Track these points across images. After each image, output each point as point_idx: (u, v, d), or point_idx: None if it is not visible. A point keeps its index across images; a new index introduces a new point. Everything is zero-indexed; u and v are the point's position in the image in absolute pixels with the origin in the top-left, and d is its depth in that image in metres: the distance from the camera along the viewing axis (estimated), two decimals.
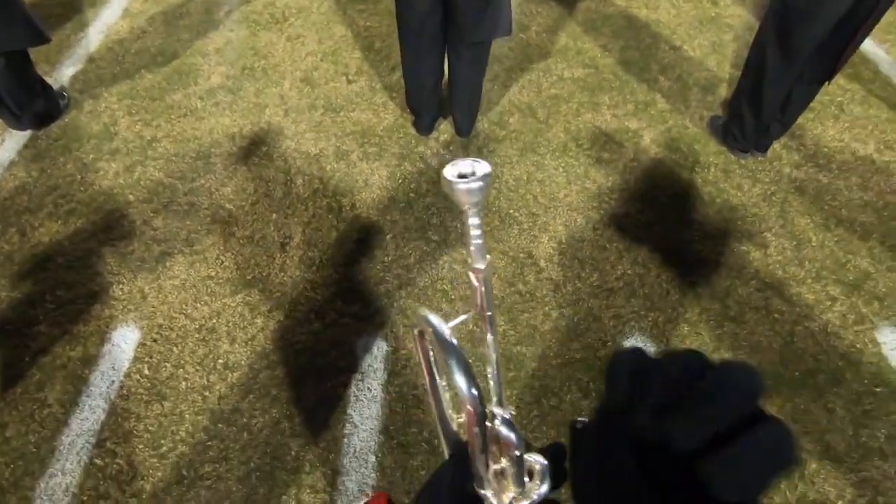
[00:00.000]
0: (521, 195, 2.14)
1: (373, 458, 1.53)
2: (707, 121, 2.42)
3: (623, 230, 2.04)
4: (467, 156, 2.16)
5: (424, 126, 2.30)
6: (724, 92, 2.55)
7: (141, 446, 1.51)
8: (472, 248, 0.39)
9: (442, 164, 2.20)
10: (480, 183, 0.36)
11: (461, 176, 0.36)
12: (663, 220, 2.08)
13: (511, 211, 2.09)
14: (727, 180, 2.21)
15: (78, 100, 2.42)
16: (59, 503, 1.41)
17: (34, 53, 2.19)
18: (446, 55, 2.06)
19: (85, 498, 1.43)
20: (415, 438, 1.56)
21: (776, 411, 1.63)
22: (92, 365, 1.65)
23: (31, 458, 1.49)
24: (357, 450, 1.53)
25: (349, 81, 2.56)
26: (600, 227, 2.05)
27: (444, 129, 2.36)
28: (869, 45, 2.79)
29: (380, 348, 1.73)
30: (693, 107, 2.49)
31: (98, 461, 1.48)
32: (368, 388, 1.65)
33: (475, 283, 0.40)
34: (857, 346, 1.76)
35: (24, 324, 1.73)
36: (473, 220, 0.37)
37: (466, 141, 2.33)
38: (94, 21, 2.83)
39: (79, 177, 2.13)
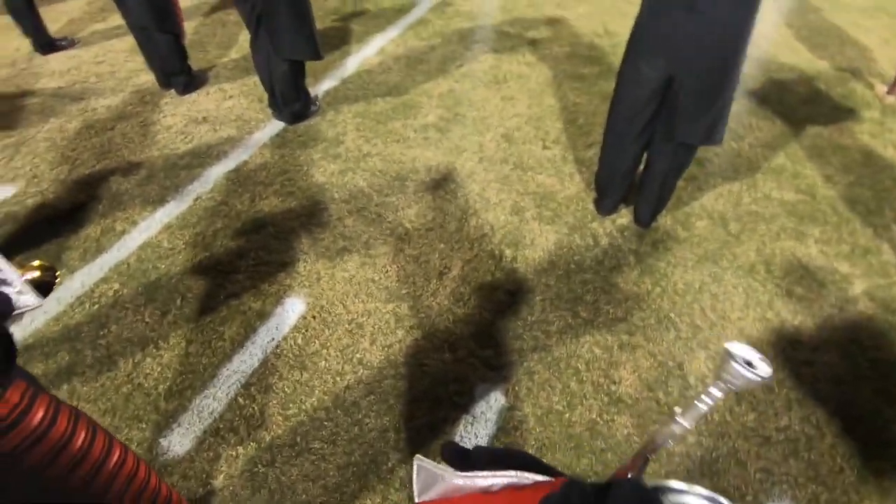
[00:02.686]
0: (687, 302, 2.00)
1: None
2: None
3: (800, 379, 1.78)
4: (639, 245, 2.10)
5: (605, 207, 2.31)
6: None
7: (274, 402, 1.71)
8: (694, 407, 0.43)
9: (612, 246, 2.18)
10: (759, 380, 0.39)
11: (747, 362, 0.39)
12: (859, 384, 1.76)
13: (672, 315, 1.96)
14: None
15: (324, 109, 2.94)
16: (203, 421, 1.66)
17: (307, 66, 2.74)
18: (648, 148, 2.07)
19: (220, 426, 1.66)
20: None
21: None
22: (264, 319, 1.94)
23: (197, 377, 1.78)
24: None
25: (545, 147, 2.70)
26: (774, 366, 1.81)
27: (625, 213, 2.34)
28: None
29: (497, 400, 1.74)
30: None
31: (241, 400, 1.71)
32: (475, 434, 1.65)
33: (670, 433, 0.43)
34: None
35: (230, 269, 2.10)
36: (717, 393, 0.40)
37: (644, 231, 2.27)
38: (356, 53, 3.45)
39: (305, 168, 2.58)
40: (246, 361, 1.81)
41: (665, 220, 2.32)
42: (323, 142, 2.73)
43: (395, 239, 2.24)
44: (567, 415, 1.69)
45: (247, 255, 2.15)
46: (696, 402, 0.42)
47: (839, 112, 3.00)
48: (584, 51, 3.48)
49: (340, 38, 3.58)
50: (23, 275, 0.99)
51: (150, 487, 1.14)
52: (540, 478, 0.47)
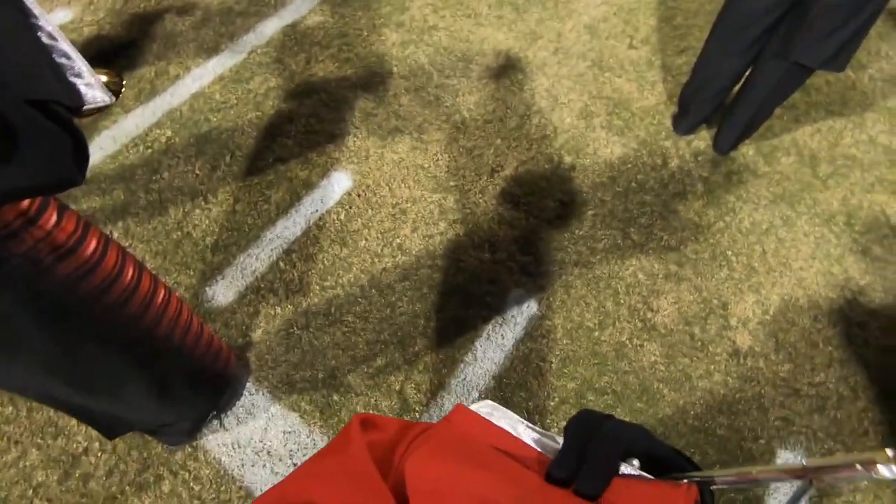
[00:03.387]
0: (749, 242, 1.87)
1: (475, 395, 1.58)
2: None
3: (850, 340, 1.70)
4: (711, 172, 1.92)
5: (684, 126, 2.09)
6: None
7: (313, 271, 1.76)
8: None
9: (680, 170, 2.01)
10: None
11: None
12: None
13: (729, 252, 1.85)
14: None
15: None
16: (245, 278, 1.73)
17: None
18: (754, 64, 1.80)
19: (261, 285, 1.73)
20: (518, 401, 1.57)
21: None
22: (309, 189, 1.92)
23: (242, 235, 1.82)
24: (467, 379, 1.60)
25: (631, 46, 2.40)
26: (824, 322, 1.72)
27: (703, 136, 2.13)
28: None
29: (529, 307, 1.73)
30: None
31: (282, 264, 1.76)
32: (502, 336, 1.68)
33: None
34: None
35: (279, 133, 2.05)
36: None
37: (720, 159, 2.07)
38: None
39: (365, 33, 2.38)
40: (289, 228, 1.84)
41: (746, 150, 2.10)
42: (387, 5, 2.49)
43: (451, 126, 2.11)
44: (597, 332, 1.69)
45: (297, 121, 2.08)
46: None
47: None
48: None
49: None
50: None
51: (193, 328, 1.21)
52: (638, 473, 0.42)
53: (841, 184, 2.02)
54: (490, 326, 1.70)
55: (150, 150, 1.97)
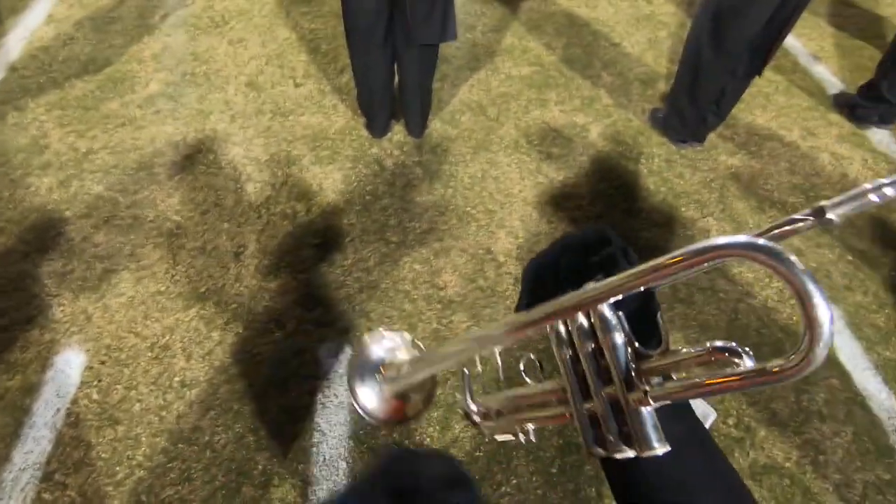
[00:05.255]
0: (476, 192, 2.17)
1: (343, 465, 1.51)
2: (648, 114, 2.53)
3: (575, 222, 2.11)
4: (420, 155, 2.17)
5: (378, 128, 2.29)
6: (662, 86, 2.67)
7: (94, 475, 1.43)
8: None
9: (397, 165, 2.21)
10: None
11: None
12: (612, 211, 2.16)
13: (468, 208, 2.11)
14: (670, 170, 2.33)
15: (1, 112, 2.25)
16: None
17: None
18: (395, 58, 2.06)
19: None
20: (384, 441, 1.56)
21: None
22: (34, 394, 1.55)
23: None
24: (327, 458, 1.51)
25: (297, 85, 2.51)
26: (554, 220, 2.11)
27: (398, 129, 2.36)
28: (788, 39, 2.99)
29: (344, 353, 1.71)
30: (635, 101, 2.60)
31: (46, 495, 1.39)
32: (335, 395, 1.62)
33: None
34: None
35: None
36: None
37: (420, 141, 2.33)
38: (14, 28, 2.65)
39: (6, 194, 1.99)
40: (32, 451, 1.45)
41: (435, 125, 2.41)
42: (18, 153, 2.12)
43: (168, 237, 1.92)
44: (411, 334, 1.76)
45: None
46: None
47: None
48: None
49: None
50: None
51: None
52: None
53: (508, 117, 2.47)
54: (320, 395, 1.63)
55: None
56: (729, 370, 0.28)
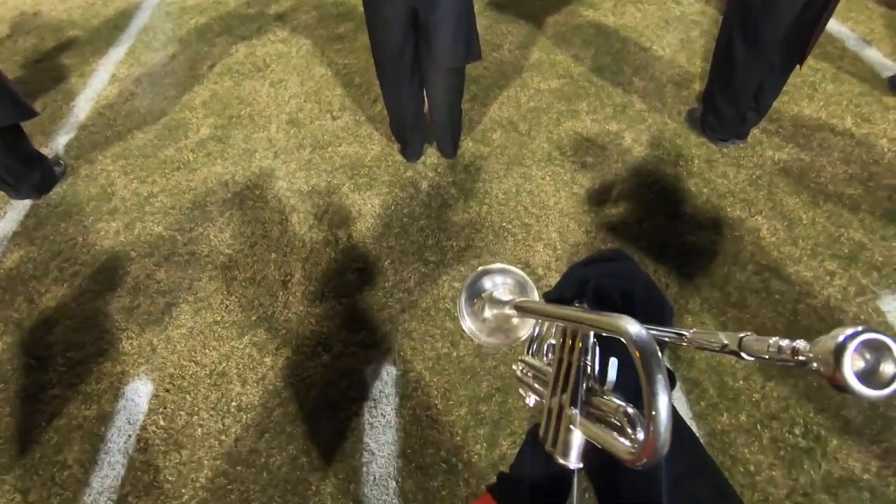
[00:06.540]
0: (511, 207, 2.18)
1: (393, 484, 1.53)
2: (685, 115, 2.47)
3: (615, 230, 2.07)
4: (454, 175, 2.21)
5: (412, 153, 2.36)
6: (697, 86, 2.61)
7: (163, 498, 1.52)
8: None
9: (432, 187, 2.26)
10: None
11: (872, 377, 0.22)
12: (653, 216, 2.11)
13: (504, 224, 2.12)
14: (711, 170, 2.25)
15: (74, 166, 2.49)
16: None
17: (28, 126, 2.27)
18: (424, 83, 2.13)
19: None
20: (433, 459, 1.56)
21: (788, 391, 1.63)
22: (108, 422, 1.67)
23: None
24: (377, 477, 1.53)
25: (334, 118, 2.63)
26: (592, 229, 2.08)
27: (431, 152, 2.42)
28: (833, 25, 2.86)
29: (389, 373, 1.75)
30: (669, 103, 2.55)
31: None
32: (382, 415, 1.65)
33: None
34: (862, 316, 1.76)
35: (38, 389, 1.75)
36: None
37: (453, 162, 2.38)
38: (83, 90, 2.93)
39: (80, 239, 2.19)
40: (108, 476, 1.56)
41: (467, 144, 2.45)
42: (89, 202, 2.33)
43: (221, 270, 2.04)
44: (454, 353, 1.77)
45: (52, 365, 1.80)
46: None
47: None
48: (332, 10, 3.39)
49: (55, 80, 3.00)
50: None
51: None
52: None
53: (540, 130, 2.48)
54: (367, 415, 1.66)
55: None
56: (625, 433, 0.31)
